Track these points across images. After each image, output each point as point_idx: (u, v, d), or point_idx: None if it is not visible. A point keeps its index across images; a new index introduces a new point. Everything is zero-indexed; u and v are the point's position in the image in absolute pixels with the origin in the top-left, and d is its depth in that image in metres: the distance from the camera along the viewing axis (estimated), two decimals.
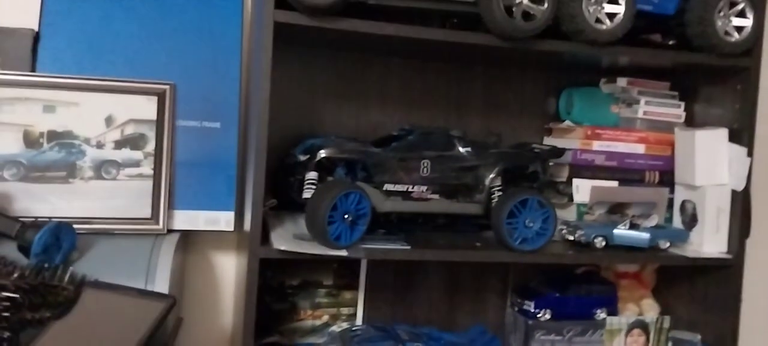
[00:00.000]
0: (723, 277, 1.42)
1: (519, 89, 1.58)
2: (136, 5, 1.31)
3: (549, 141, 1.55)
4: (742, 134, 1.37)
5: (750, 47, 1.34)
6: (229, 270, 1.49)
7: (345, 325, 1.43)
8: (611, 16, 1.25)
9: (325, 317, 1.42)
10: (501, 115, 1.57)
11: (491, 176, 1.31)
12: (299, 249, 1.15)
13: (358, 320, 1.44)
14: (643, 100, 1.47)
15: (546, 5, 1.21)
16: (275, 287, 1.39)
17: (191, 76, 1.31)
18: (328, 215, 1.14)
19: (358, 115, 1.50)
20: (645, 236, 1.33)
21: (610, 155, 1.45)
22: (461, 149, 1.33)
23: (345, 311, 1.44)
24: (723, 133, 1.38)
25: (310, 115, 1.47)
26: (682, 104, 1.50)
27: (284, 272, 1.39)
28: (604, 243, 1.34)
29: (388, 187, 1.25)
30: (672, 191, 1.46)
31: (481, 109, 1.56)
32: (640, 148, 1.47)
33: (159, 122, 1.28)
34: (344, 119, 1.49)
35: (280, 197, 1.32)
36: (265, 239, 1.18)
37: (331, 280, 1.43)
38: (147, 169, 1.26)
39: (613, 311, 1.49)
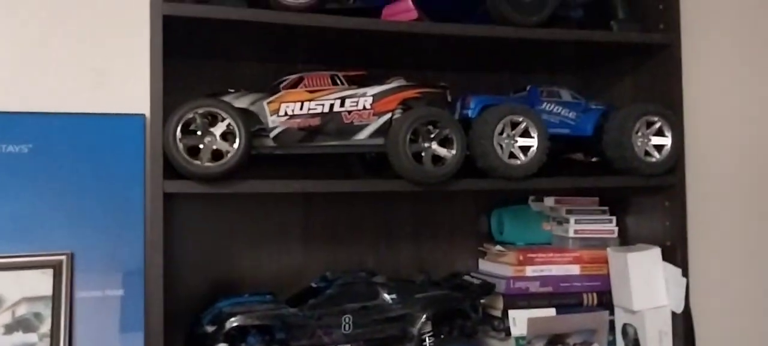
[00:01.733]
0: None
1: (449, 211, 1.52)
2: (28, 172, 1.21)
3: (483, 265, 1.48)
4: (675, 252, 1.32)
5: (672, 166, 1.29)
6: None
7: None
8: (525, 149, 1.20)
9: None
10: (432, 240, 1.51)
11: (420, 322, 1.23)
12: None
13: None
14: (572, 219, 1.41)
15: (455, 150, 1.15)
16: None
17: (91, 242, 1.21)
18: None
19: (279, 257, 1.42)
20: None
21: (544, 280, 1.39)
22: (386, 296, 1.25)
23: None
24: (656, 253, 1.33)
25: (227, 263, 1.38)
26: (614, 219, 1.45)
27: None
28: None
29: None
30: (613, 312, 1.40)
31: (411, 235, 1.50)
32: (575, 269, 1.41)
33: (56, 297, 1.18)
34: (264, 263, 1.41)
35: None
36: None
37: None
38: None
39: None
